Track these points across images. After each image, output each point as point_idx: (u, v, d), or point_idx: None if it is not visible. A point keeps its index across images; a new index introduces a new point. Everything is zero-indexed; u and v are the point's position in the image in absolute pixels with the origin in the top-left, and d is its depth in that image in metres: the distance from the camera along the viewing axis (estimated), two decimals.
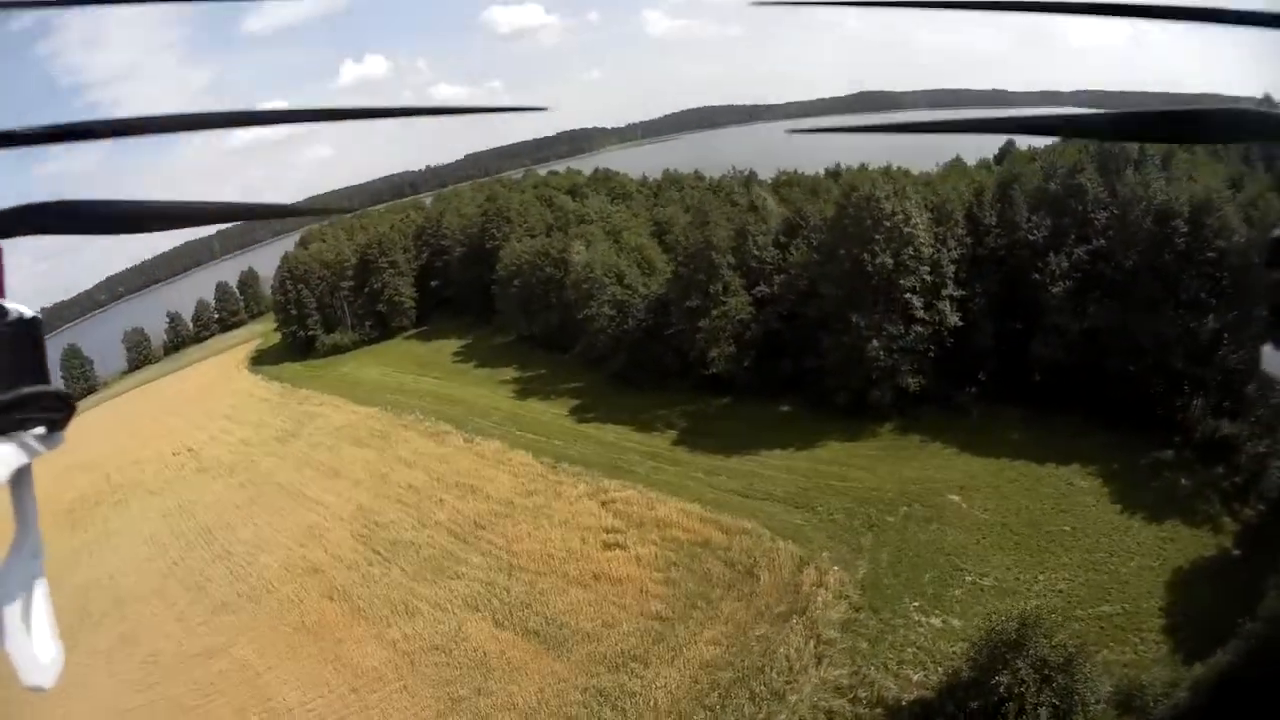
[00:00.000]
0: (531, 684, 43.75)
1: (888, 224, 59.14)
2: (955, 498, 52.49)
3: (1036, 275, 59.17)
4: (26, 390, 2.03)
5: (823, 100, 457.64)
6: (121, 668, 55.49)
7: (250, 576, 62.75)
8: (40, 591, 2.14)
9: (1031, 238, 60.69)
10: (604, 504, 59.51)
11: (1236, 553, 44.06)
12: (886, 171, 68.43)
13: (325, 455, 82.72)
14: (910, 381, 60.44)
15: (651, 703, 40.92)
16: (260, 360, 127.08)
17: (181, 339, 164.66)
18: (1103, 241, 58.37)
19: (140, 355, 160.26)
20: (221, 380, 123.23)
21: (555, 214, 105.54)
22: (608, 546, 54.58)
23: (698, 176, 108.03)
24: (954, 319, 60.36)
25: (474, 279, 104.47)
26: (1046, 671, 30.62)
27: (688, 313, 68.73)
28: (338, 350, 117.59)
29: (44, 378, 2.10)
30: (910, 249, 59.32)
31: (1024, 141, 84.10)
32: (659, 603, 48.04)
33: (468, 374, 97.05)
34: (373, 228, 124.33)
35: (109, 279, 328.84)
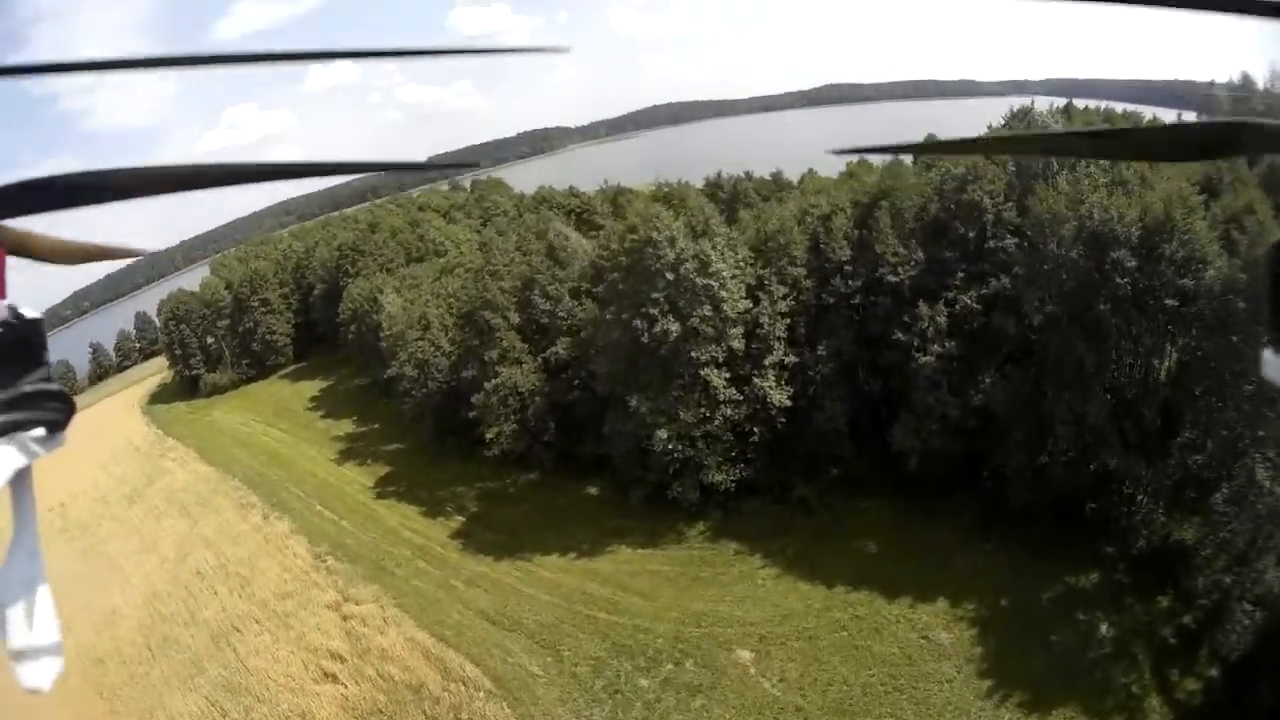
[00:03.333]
0: None
1: (670, 276, 47.14)
2: (746, 655, 40.37)
3: (899, 335, 45.28)
4: (27, 389, 2.07)
5: (789, 94, 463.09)
6: None
7: None
8: (41, 593, 2.14)
9: (894, 278, 46.06)
10: (344, 618, 52.13)
11: None
12: (681, 201, 56.67)
13: (151, 525, 77.92)
14: (718, 477, 48.40)
15: None
16: (156, 398, 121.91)
17: (104, 369, 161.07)
18: (1005, 282, 43.45)
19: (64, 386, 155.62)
20: (117, 420, 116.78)
21: (419, 243, 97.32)
22: (324, 677, 48.05)
23: (572, 193, 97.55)
24: (780, 397, 47.70)
25: (333, 318, 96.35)
26: None
27: (466, 383, 59.40)
28: (218, 390, 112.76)
29: (45, 378, 2.14)
30: (707, 307, 47.11)
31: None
32: None
33: (310, 426, 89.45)
34: (268, 256, 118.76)
35: (75, 294, 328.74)
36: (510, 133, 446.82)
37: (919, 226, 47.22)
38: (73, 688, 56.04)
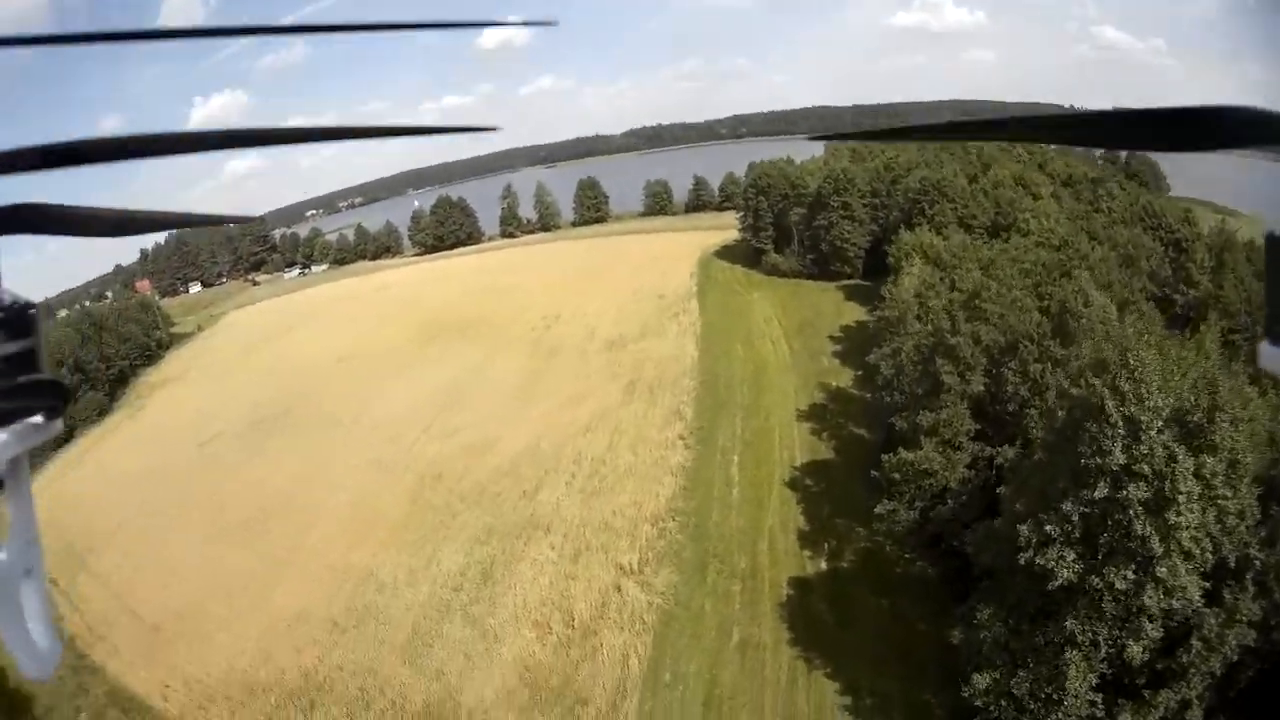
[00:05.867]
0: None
1: (1104, 488, 28.66)
2: None
3: None
4: (22, 379, 2.13)
5: None
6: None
7: (418, 448, 76.55)
8: (37, 581, 2.24)
9: None
10: (616, 588, 50.97)
11: None
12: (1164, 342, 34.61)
13: (596, 384, 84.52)
14: None
15: None
16: (724, 253, 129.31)
17: (701, 203, 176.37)
18: None
19: (656, 205, 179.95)
20: (672, 260, 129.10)
21: (1010, 207, 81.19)
22: (539, 625, 49.45)
23: (1184, 217, 70.07)
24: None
25: None
26: None
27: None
28: (776, 272, 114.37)
29: (39, 366, 2.19)
30: (1132, 566, 28.28)
31: None
32: None
33: (816, 358, 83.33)
34: (872, 158, 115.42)
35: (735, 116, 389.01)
36: (1194, 98, 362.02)
37: None
38: (403, 487, 69.19)
